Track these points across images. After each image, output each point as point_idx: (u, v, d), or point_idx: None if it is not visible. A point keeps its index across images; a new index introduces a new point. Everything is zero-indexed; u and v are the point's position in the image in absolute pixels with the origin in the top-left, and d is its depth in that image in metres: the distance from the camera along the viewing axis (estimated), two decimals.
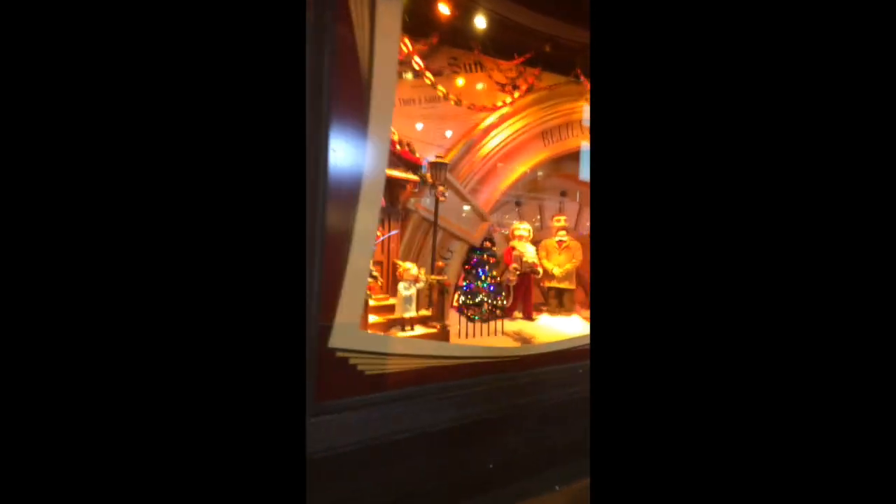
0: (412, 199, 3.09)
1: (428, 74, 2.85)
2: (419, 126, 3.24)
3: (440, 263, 2.85)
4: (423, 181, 2.92)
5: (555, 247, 3.82)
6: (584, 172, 4.17)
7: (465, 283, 3.47)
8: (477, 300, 3.29)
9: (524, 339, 3.18)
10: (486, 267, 3.56)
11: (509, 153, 3.48)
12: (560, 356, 2.91)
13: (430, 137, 3.23)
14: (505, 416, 2.50)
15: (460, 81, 3.32)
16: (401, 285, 2.64)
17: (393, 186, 2.90)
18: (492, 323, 3.31)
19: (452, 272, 3.36)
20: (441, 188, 2.95)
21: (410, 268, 2.66)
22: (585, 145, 4.00)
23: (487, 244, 3.61)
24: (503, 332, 3.23)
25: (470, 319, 3.35)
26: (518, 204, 4.24)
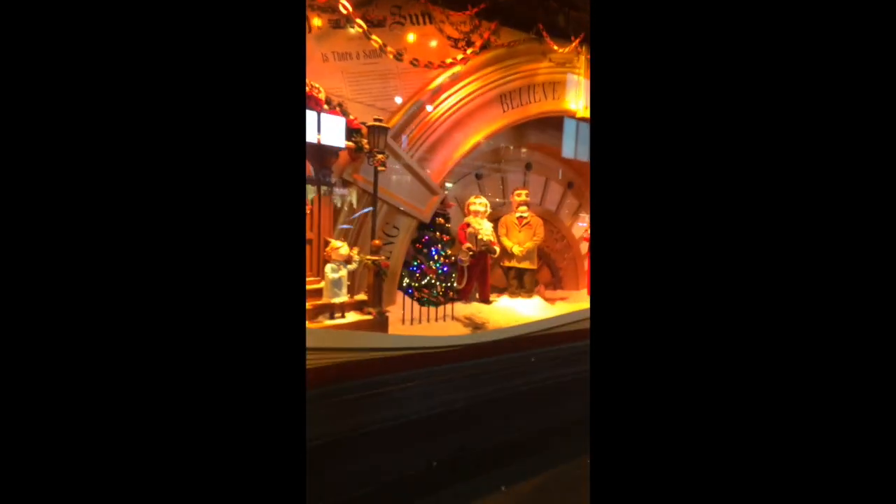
0: (348, 169, 2.73)
1: (359, 22, 2.46)
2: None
3: (376, 242, 2.52)
4: (359, 147, 2.55)
5: (515, 223, 3.51)
6: (567, 149, 3.85)
7: (414, 264, 3.16)
8: (424, 282, 2.98)
9: (476, 325, 2.90)
10: (439, 246, 3.25)
11: (463, 118, 3.12)
12: (512, 343, 2.65)
13: (370, 98, 2.85)
14: (445, 412, 2.23)
15: (410, 37, 2.93)
16: (328, 267, 2.31)
17: (324, 153, 2.54)
18: (444, 307, 3.03)
19: (399, 251, 3.03)
20: (380, 156, 2.59)
21: (340, 247, 2.33)
22: (569, 122, 3.67)
23: (440, 220, 3.29)
24: (453, 317, 2.94)
25: (420, 303, 3.06)
26: (478, 177, 3.90)
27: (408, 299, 2.94)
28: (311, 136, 2.38)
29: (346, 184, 2.79)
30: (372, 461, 2.03)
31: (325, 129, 2.44)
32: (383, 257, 2.50)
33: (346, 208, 2.76)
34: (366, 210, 2.80)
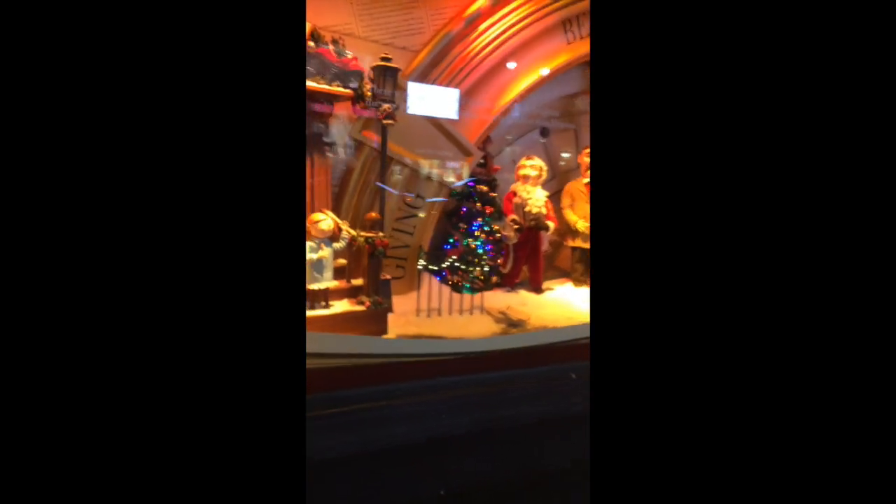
0: (356, 125, 2.25)
1: None
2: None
3: (372, 214, 2.02)
4: (359, 96, 2.04)
5: (582, 192, 2.73)
6: None
7: (449, 241, 2.61)
8: (446, 264, 2.42)
9: (511, 322, 2.28)
10: (480, 219, 2.64)
11: (510, 54, 2.41)
12: (548, 352, 2.00)
13: (387, 34, 2.29)
14: (442, 439, 1.71)
15: None
16: (307, 245, 1.88)
17: (312, 102, 2.08)
18: (474, 297, 2.44)
19: (424, 225, 2.50)
20: (387, 106, 2.05)
21: (321, 220, 1.88)
22: None
23: (484, 188, 2.67)
24: (484, 310, 2.35)
25: (455, 289, 2.51)
26: (544, 133, 3.15)
27: (427, 286, 2.40)
28: None
29: (359, 144, 2.32)
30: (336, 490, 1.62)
31: (319, 74, 1.96)
32: (380, 234, 1.99)
33: (359, 175, 2.30)
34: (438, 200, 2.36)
